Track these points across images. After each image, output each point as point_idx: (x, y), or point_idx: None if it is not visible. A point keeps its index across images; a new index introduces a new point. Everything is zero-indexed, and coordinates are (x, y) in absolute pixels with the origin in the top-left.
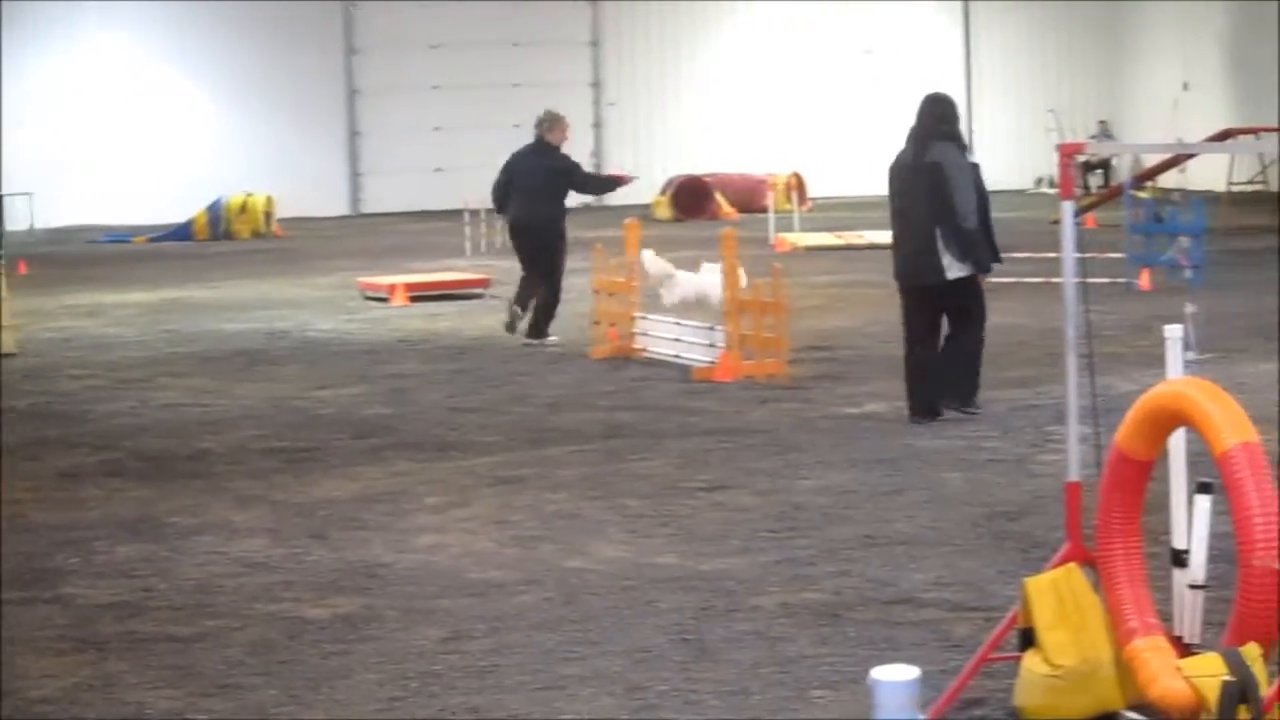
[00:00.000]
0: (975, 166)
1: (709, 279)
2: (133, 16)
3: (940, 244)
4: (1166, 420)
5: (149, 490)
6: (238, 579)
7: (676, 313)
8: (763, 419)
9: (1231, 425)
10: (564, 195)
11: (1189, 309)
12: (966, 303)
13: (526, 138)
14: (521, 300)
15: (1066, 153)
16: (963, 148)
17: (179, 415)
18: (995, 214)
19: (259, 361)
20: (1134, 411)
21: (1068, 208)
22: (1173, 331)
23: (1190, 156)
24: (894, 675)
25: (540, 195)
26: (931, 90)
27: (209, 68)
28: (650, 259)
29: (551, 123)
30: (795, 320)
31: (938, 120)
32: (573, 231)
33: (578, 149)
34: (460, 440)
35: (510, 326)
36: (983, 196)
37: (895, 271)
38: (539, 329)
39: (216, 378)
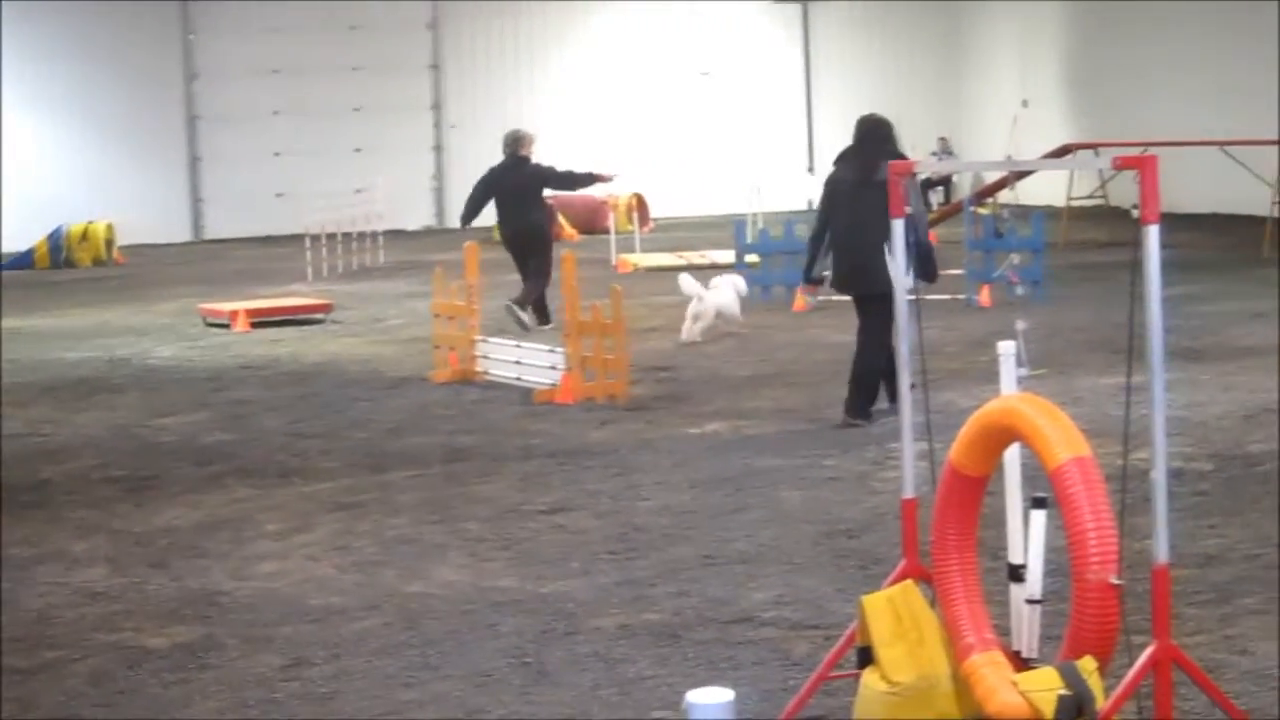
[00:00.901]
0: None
1: (724, 296)
2: None
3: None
4: (999, 436)
5: None
6: (77, 609)
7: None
8: (604, 440)
9: (1063, 440)
10: (543, 200)
11: (1020, 325)
12: (887, 316)
13: (369, 160)
14: (521, 301)
15: (896, 172)
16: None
17: (19, 445)
18: None
19: (100, 390)
20: (967, 428)
21: (898, 226)
22: (1006, 347)
23: (1027, 173)
24: (709, 698)
25: (527, 204)
26: (867, 112)
27: (48, 95)
28: (686, 280)
29: (522, 138)
30: (636, 341)
31: (884, 140)
32: (411, 254)
33: (420, 172)
34: (301, 466)
35: (520, 324)
36: (923, 213)
37: (837, 283)
38: (545, 316)
39: (57, 407)
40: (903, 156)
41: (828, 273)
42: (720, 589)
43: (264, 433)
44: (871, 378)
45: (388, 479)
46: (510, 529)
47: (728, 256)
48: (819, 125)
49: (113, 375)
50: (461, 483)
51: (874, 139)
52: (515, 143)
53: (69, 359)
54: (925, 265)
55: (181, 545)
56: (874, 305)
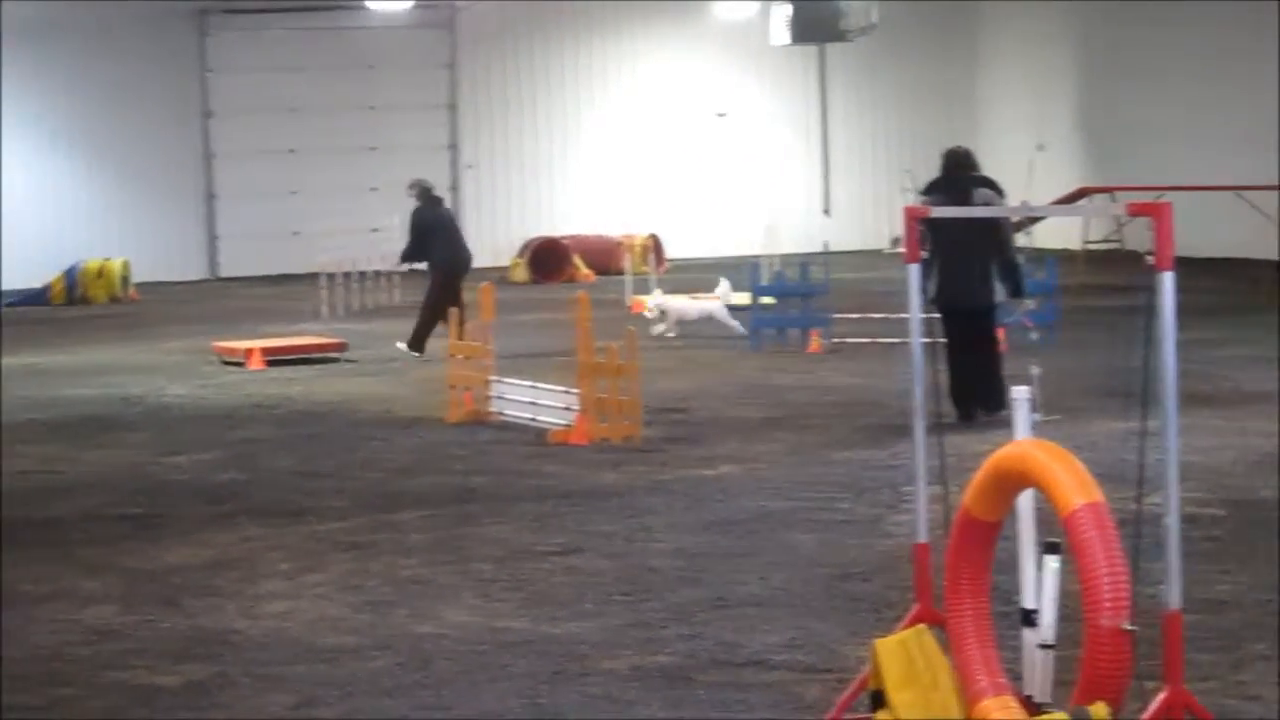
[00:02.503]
0: None
1: (710, 304)
2: None
3: (993, 274)
4: (1013, 482)
5: None
6: (89, 647)
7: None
8: (616, 482)
9: (1076, 486)
10: None
11: (1034, 370)
12: (991, 324)
13: (385, 200)
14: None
15: (911, 216)
16: (1001, 193)
17: (30, 482)
18: (850, 274)
19: (112, 428)
20: (981, 473)
21: (914, 270)
22: (1020, 393)
23: (1040, 218)
24: None
25: (460, 238)
26: (952, 145)
27: (65, 132)
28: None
29: (431, 184)
30: (649, 382)
31: (973, 168)
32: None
33: None
34: (313, 505)
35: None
36: (1010, 234)
37: (937, 298)
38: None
39: (69, 444)
40: (993, 184)
41: None
42: (732, 632)
43: (276, 472)
44: (1001, 370)
45: (400, 519)
46: (523, 570)
47: (742, 298)
48: (834, 167)
49: (125, 413)
50: (474, 523)
51: (964, 167)
52: (429, 188)
53: (82, 396)
54: (1015, 282)
55: (193, 584)
56: (979, 320)
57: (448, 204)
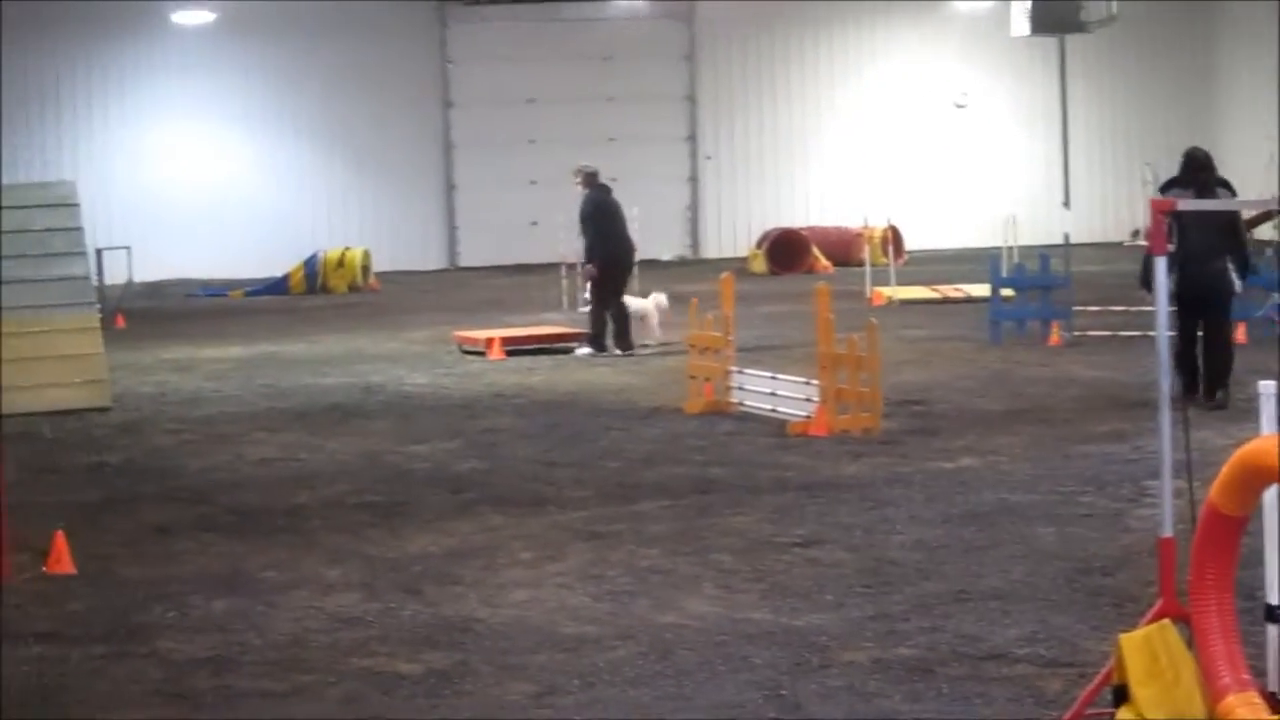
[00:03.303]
0: None
1: (645, 302)
2: (232, 70)
3: (1231, 266)
4: (1260, 477)
5: (243, 545)
6: (331, 634)
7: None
8: (856, 474)
9: None
10: None
11: None
12: (1228, 314)
13: (623, 191)
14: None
15: (1158, 209)
16: (1234, 193)
17: (273, 470)
18: (1090, 267)
19: (353, 416)
20: (1228, 468)
21: (1160, 263)
22: (1268, 388)
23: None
24: None
25: (626, 230)
26: (1191, 146)
27: (306, 122)
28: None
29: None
30: (889, 374)
31: (1212, 169)
32: (665, 285)
33: (674, 202)
34: (553, 495)
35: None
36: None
37: (1178, 289)
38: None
39: (310, 432)
40: (1229, 185)
41: None
42: (973, 625)
43: (517, 461)
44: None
45: (640, 509)
46: (763, 561)
47: (982, 290)
48: (1074, 159)
49: (366, 402)
50: (714, 514)
51: (1204, 168)
52: (594, 174)
53: (322, 385)
54: (1245, 266)
55: (435, 572)
56: (1219, 309)
57: (687, 195)
